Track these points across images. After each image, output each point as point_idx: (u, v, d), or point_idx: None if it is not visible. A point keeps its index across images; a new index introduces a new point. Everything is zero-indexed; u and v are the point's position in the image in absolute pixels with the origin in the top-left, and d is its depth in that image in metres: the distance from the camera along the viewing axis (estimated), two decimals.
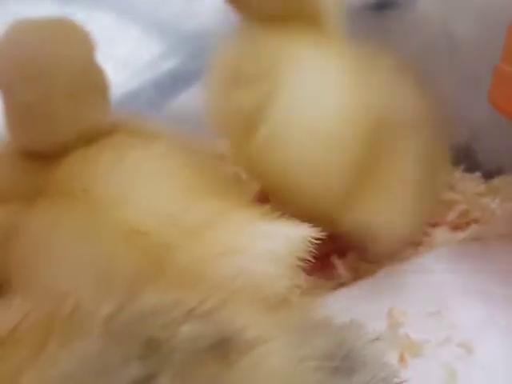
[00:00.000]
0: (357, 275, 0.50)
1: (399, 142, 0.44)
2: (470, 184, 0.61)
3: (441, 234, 0.55)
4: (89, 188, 0.37)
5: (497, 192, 0.60)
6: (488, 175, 0.61)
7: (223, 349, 0.24)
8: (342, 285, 0.50)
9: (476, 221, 0.57)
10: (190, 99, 0.77)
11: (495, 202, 0.58)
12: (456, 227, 0.56)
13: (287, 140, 0.42)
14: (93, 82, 0.40)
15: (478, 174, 0.62)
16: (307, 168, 0.42)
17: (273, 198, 0.50)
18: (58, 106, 0.38)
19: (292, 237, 0.36)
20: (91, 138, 0.40)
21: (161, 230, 0.35)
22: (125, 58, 0.77)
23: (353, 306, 0.44)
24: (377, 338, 0.32)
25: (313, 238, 0.36)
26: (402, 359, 0.40)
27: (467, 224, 0.56)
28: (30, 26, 0.40)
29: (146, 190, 0.37)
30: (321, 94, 0.43)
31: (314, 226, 0.36)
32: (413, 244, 0.53)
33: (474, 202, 0.58)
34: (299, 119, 0.42)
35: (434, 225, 0.56)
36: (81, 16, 0.75)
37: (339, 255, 0.52)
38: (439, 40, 0.65)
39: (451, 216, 0.57)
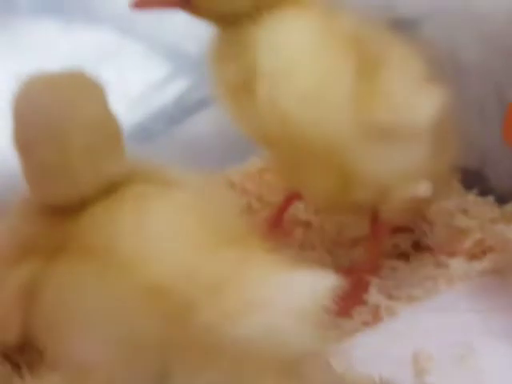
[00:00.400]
0: (377, 314, 0.50)
1: None
2: (484, 209, 0.61)
3: (458, 264, 0.55)
4: (110, 244, 0.37)
5: (510, 219, 0.60)
6: (501, 200, 0.62)
7: None
8: (365, 324, 0.50)
9: (492, 249, 0.57)
10: (199, 124, 0.77)
11: (510, 228, 0.58)
12: (473, 256, 0.56)
13: (283, 90, 0.46)
14: (108, 133, 0.40)
15: (490, 198, 0.62)
16: (308, 109, 0.45)
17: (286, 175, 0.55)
18: (75, 161, 0.38)
19: (315, 287, 0.36)
20: (110, 188, 0.39)
21: (182, 286, 0.35)
22: (130, 83, 0.77)
23: (377, 352, 0.44)
24: None
25: (335, 286, 0.36)
26: None
27: (483, 252, 0.56)
28: (43, 83, 0.40)
29: (166, 244, 0.37)
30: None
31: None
32: (431, 278, 0.54)
33: (488, 229, 0.58)
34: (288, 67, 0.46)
35: (451, 254, 0.57)
36: (84, 36, 0.76)
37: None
38: (445, 64, 0.66)
39: (467, 244, 0.57)
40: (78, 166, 0.38)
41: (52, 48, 0.74)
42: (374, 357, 0.43)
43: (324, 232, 0.61)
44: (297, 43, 0.47)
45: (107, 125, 0.40)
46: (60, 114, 0.38)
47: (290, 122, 0.46)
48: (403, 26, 0.68)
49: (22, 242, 0.41)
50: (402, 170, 0.47)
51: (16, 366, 0.45)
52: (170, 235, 0.37)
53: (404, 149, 0.47)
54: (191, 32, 0.73)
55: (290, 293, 0.35)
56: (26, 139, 0.39)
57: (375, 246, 0.55)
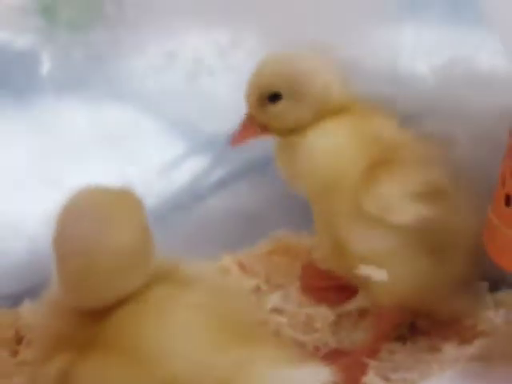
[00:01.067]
0: None
1: None
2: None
3: (450, 349, 0.60)
4: (133, 343, 0.42)
5: (501, 305, 0.64)
6: (493, 287, 0.67)
7: None
8: None
9: (482, 333, 0.61)
10: (213, 205, 0.82)
11: (500, 314, 0.63)
12: (464, 341, 0.61)
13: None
14: (140, 256, 0.45)
15: (483, 285, 0.67)
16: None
17: None
18: (103, 278, 0.43)
19: (315, 382, 0.41)
20: (137, 292, 0.45)
21: (197, 381, 0.40)
22: (148, 161, 0.82)
23: None
24: None
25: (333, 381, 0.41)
26: None
27: (474, 337, 0.61)
28: (88, 199, 0.46)
29: (182, 344, 0.42)
30: None
31: None
32: (425, 361, 0.58)
33: (480, 315, 0.63)
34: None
35: (445, 338, 0.61)
36: (106, 113, 0.82)
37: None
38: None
39: (459, 329, 0.62)
40: (105, 283, 0.44)
41: (74, 126, 0.80)
42: None
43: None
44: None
45: (140, 249, 0.45)
46: (95, 235, 0.43)
47: None
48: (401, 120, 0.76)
49: (57, 335, 0.46)
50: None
51: None
52: (185, 336, 0.43)
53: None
54: (208, 112, 0.81)
55: None
56: (63, 248, 0.45)
57: (377, 331, 0.60)
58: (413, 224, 0.53)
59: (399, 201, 0.54)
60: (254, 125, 0.62)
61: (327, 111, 0.60)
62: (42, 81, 0.80)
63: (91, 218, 0.44)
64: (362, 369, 0.58)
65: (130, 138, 0.82)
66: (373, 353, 0.59)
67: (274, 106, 0.60)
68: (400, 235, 0.55)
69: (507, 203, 0.47)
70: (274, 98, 0.60)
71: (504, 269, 0.49)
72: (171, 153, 0.83)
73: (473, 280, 0.63)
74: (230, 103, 0.73)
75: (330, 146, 0.59)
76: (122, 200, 0.46)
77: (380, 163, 0.56)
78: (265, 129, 0.62)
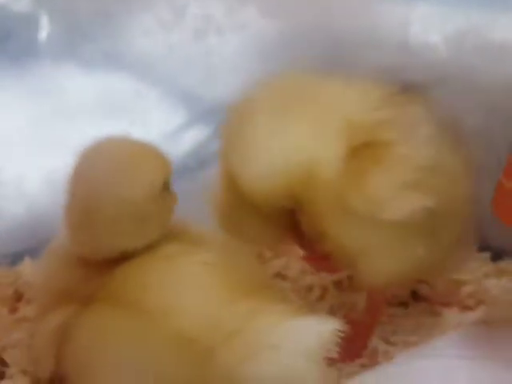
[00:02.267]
0: (375, 357, 0.55)
1: None
2: (479, 264, 0.66)
3: (451, 314, 0.60)
4: (140, 296, 0.42)
5: (503, 273, 0.64)
6: (496, 256, 0.67)
7: None
8: (362, 367, 0.55)
9: (483, 301, 0.61)
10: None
11: (502, 283, 0.63)
12: (465, 308, 0.61)
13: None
14: (157, 208, 0.45)
15: (486, 254, 0.67)
16: None
17: None
18: (120, 225, 0.44)
19: (320, 331, 0.41)
20: (144, 248, 0.45)
21: (205, 335, 0.40)
22: (147, 129, 0.82)
23: None
24: None
25: (339, 330, 0.41)
26: None
27: (476, 304, 0.61)
28: (111, 149, 0.46)
29: (191, 298, 0.42)
30: None
31: None
32: (426, 325, 0.58)
33: (481, 283, 0.63)
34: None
35: (446, 305, 0.62)
36: (104, 81, 0.82)
37: None
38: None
39: (461, 296, 0.62)
40: (112, 231, 0.44)
41: (71, 92, 0.80)
42: None
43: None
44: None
45: (153, 204, 0.45)
46: (109, 181, 0.44)
47: None
48: (411, 90, 0.75)
49: (59, 288, 0.46)
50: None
51: None
52: (192, 291, 0.43)
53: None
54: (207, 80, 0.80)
55: (297, 337, 0.40)
56: (76, 189, 0.45)
57: (375, 306, 0.58)
58: (407, 218, 0.48)
59: (390, 196, 0.48)
60: None
61: None
62: (41, 48, 0.81)
63: (109, 165, 0.45)
64: (368, 335, 0.58)
65: (131, 105, 0.82)
66: (372, 326, 0.58)
67: None
68: (392, 224, 0.49)
69: None
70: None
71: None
72: (174, 120, 0.82)
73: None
74: (237, 62, 0.72)
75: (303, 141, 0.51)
76: (143, 153, 0.46)
77: (360, 148, 0.49)
78: None
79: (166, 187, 0.47)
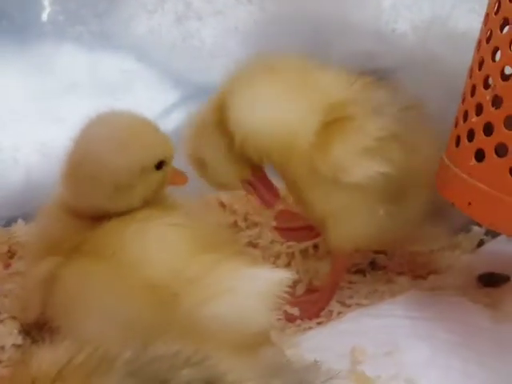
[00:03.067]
0: (330, 317, 0.61)
1: None
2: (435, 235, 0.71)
3: (404, 282, 0.65)
4: (117, 251, 0.48)
5: (458, 246, 0.70)
6: (452, 231, 0.72)
7: None
8: (319, 324, 0.61)
9: (436, 271, 0.67)
10: None
11: (455, 255, 0.69)
12: (418, 276, 0.67)
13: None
14: (145, 181, 0.51)
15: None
16: None
17: None
18: (102, 190, 0.50)
19: (273, 278, 0.47)
20: (126, 211, 0.51)
21: (170, 283, 0.46)
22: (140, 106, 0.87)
23: (323, 345, 0.54)
24: (332, 377, 0.42)
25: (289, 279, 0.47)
26: None
27: (427, 274, 0.67)
28: (113, 120, 0.52)
29: (158, 252, 0.48)
30: None
31: None
32: (379, 291, 0.64)
33: (436, 255, 0.69)
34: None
35: (399, 273, 0.67)
36: (102, 60, 0.87)
37: None
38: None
39: (414, 266, 0.68)
40: (103, 191, 0.50)
41: (68, 70, 0.84)
42: (320, 349, 0.53)
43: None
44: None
45: (141, 175, 0.50)
46: (106, 150, 0.49)
47: None
48: (381, 74, 0.80)
49: (48, 240, 0.52)
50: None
51: (34, 341, 0.55)
52: (160, 246, 0.49)
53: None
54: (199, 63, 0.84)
55: (251, 282, 0.46)
56: (78, 154, 0.51)
57: (334, 272, 0.64)
58: (366, 181, 0.55)
59: (351, 161, 0.55)
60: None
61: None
62: (43, 25, 0.84)
63: (107, 133, 0.51)
64: (327, 299, 0.63)
65: (123, 84, 0.87)
66: (332, 290, 0.64)
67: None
68: (357, 189, 0.56)
69: (457, 144, 0.52)
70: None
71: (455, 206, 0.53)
72: (162, 101, 0.87)
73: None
74: (216, 48, 0.77)
75: (284, 115, 0.59)
76: (142, 130, 0.51)
77: (331, 123, 0.57)
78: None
79: (160, 166, 0.52)
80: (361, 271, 0.69)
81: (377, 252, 0.70)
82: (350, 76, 0.61)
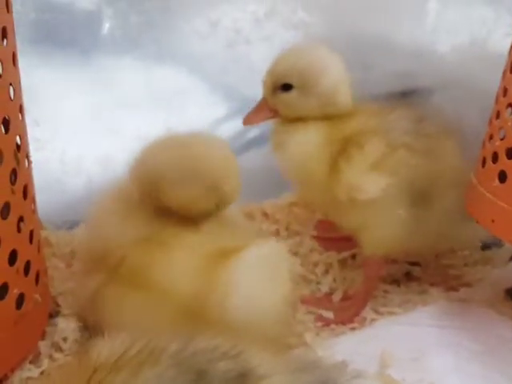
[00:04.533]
0: (363, 323, 0.65)
1: None
2: (469, 252, 0.74)
3: (436, 293, 0.69)
4: (147, 276, 0.54)
5: (489, 261, 0.73)
6: (486, 246, 0.75)
7: (243, 379, 0.40)
8: (352, 330, 0.65)
9: (468, 284, 0.70)
10: (246, 161, 0.92)
11: (486, 269, 0.71)
12: (450, 288, 0.70)
13: None
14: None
15: (478, 243, 0.75)
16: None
17: None
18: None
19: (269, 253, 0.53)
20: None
21: (191, 301, 0.52)
22: (195, 118, 0.93)
23: (354, 349, 0.59)
24: (358, 376, 0.46)
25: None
26: None
27: (460, 286, 0.70)
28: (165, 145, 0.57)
29: (183, 275, 0.53)
30: None
31: None
32: (411, 302, 0.68)
33: (468, 268, 0.72)
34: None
35: (432, 285, 0.70)
36: (157, 73, 0.93)
37: None
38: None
39: (447, 278, 0.71)
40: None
41: (127, 84, 0.92)
42: (351, 352, 0.57)
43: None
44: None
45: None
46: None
47: None
48: (420, 94, 0.83)
49: (95, 257, 0.58)
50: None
51: (92, 336, 0.61)
52: (184, 270, 0.54)
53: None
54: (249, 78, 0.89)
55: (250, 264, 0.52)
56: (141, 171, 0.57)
57: (366, 279, 0.69)
58: (381, 194, 0.60)
59: (360, 180, 0.61)
60: (266, 108, 0.69)
61: (334, 111, 0.67)
62: (103, 40, 0.92)
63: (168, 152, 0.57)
64: (361, 306, 0.67)
65: (178, 98, 0.93)
66: (365, 296, 0.68)
67: (285, 94, 0.67)
68: (378, 200, 0.61)
69: (483, 165, 0.55)
70: (286, 87, 0.67)
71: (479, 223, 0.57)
72: (213, 113, 0.94)
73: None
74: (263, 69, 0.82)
75: (302, 149, 0.66)
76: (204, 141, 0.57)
77: (339, 153, 0.63)
78: (275, 113, 0.69)
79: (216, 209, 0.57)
80: (395, 281, 0.72)
81: (412, 264, 0.74)
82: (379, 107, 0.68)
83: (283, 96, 0.67)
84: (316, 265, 0.75)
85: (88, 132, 0.88)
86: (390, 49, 0.85)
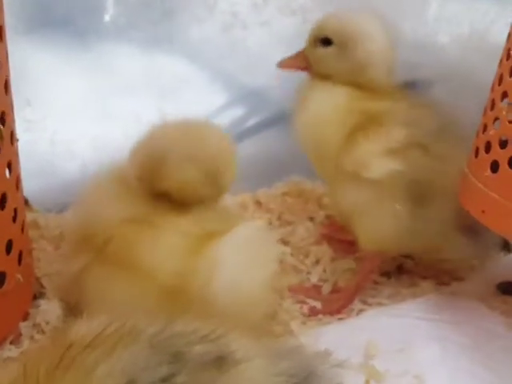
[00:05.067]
0: (350, 314, 0.64)
1: None
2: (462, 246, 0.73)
3: (427, 286, 0.68)
4: (132, 256, 0.53)
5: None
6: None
7: (220, 362, 0.39)
8: (339, 320, 0.64)
9: (460, 279, 0.69)
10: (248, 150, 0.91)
11: (479, 264, 0.70)
12: (441, 282, 0.69)
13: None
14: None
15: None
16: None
17: None
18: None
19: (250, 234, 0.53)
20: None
21: (178, 283, 0.51)
22: (191, 105, 0.92)
23: (339, 339, 0.58)
24: (340, 365, 0.46)
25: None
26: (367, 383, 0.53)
27: (451, 280, 0.69)
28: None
29: (167, 256, 0.53)
30: None
31: None
32: (400, 294, 0.67)
33: (462, 264, 0.71)
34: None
35: (424, 278, 0.69)
36: (154, 58, 0.92)
37: None
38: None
39: (439, 272, 0.70)
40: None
41: (126, 70, 0.91)
42: (336, 342, 0.56)
43: None
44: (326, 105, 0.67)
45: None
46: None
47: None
48: (421, 85, 0.82)
49: (84, 230, 0.57)
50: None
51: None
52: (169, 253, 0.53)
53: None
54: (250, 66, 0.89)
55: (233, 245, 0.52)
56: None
57: (361, 272, 0.68)
58: (385, 178, 0.60)
59: (372, 158, 0.61)
60: (302, 59, 0.70)
61: (364, 82, 0.67)
62: (105, 26, 0.91)
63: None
64: (351, 299, 0.66)
65: (174, 84, 0.92)
66: (356, 290, 0.67)
67: (323, 49, 0.68)
68: (379, 187, 0.62)
69: (476, 155, 0.54)
70: (326, 42, 0.67)
71: (470, 213, 0.56)
72: (210, 100, 0.93)
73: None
74: (262, 56, 0.81)
75: (322, 109, 0.67)
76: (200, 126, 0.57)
77: (358, 129, 0.63)
78: (309, 66, 0.70)
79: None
80: (386, 274, 0.71)
81: (405, 256, 0.73)
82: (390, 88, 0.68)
83: (321, 50, 0.68)
84: (307, 255, 0.74)
85: (82, 115, 0.88)
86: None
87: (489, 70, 0.79)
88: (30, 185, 0.63)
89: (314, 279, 0.70)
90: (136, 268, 0.52)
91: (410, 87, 0.82)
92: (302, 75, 0.71)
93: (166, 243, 0.53)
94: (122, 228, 0.55)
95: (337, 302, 0.66)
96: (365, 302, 0.66)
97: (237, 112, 0.95)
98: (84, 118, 0.88)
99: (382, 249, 0.66)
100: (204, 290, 0.49)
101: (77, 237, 0.58)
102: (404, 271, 0.72)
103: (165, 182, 0.55)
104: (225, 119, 0.93)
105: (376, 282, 0.70)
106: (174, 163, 0.55)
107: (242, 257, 0.51)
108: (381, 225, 0.63)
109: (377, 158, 0.61)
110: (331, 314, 0.65)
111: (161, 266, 0.52)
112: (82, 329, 0.42)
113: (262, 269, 0.51)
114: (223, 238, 0.51)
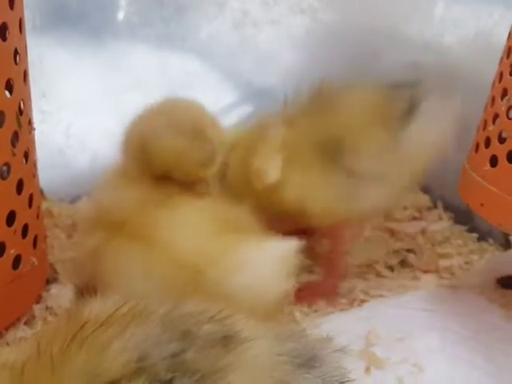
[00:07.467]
0: (352, 305, 0.66)
1: None
2: (465, 242, 0.75)
3: (429, 279, 0.70)
4: (150, 234, 0.54)
5: (485, 252, 0.73)
6: (482, 238, 0.76)
7: (227, 341, 0.41)
8: (341, 311, 0.65)
9: (461, 273, 0.71)
10: None
11: (481, 259, 0.72)
12: (442, 277, 0.70)
13: None
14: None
15: (474, 235, 0.77)
16: None
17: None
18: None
19: (284, 247, 0.53)
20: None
21: (196, 262, 0.52)
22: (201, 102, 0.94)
23: (341, 328, 0.59)
24: (341, 351, 0.47)
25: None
26: (367, 370, 0.55)
27: (452, 274, 0.70)
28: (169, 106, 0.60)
29: (188, 234, 0.54)
30: None
31: None
32: (402, 287, 0.68)
33: (463, 258, 0.72)
34: None
35: (426, 272, 0.71)
36: (172, 58, 0.94)
37: None
38: None
39: (441, 266, 0.72)
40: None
41: (139, 68, 0.94)
42: (337, 330, 0.57)
43: None
44: None
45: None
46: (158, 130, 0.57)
47: None
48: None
49: (100, 213, 0.59)
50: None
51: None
52: (190, 228, 0.55)
53: None
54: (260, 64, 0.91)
55: (267, 253, 0.53)
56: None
57: (335, 248, 0.70)
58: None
59: (263, 166, 0.64)
60: None
61: None
62: (118, 25, 0.94)
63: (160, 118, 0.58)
64: (333, 288, 0.68)
65: (189, 84, 0.95)
66: (336, 264, 0.69)
67: None
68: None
69: (476, 150, 0.56)
70: None
71: (469, 206, 0.57)
72: (224, 98, 0.95)
73: None
74: (272, 54, 0.83)
75: None
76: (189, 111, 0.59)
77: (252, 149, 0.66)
78: None
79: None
80: (390, 267, 0.73)
81: (408, 251, 0.75)
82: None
83: None
84: None
85: (94, 109, 0.90)
86: (396, 39, 0.85)
87: (493, 71, 0.81)
88: (44, 175, 0.65)
89: None
90: (152, 243, 0.54)
91: (415, 87, 0.84)
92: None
93: (185, 220, 0.55)
94: (140, 209, 0.56)
95: (327, 284, 0.68)
96: (367, 294, 0.68)
97: (246, 109, 0.97)
98: (97, 112, 0.90)
99: (336, 218, 0.65)
100: (223, 279, 0.51)
101: (95, 214, 0.60)
102: (407, 265, 0.74)
103: (157, 163, 0.57)
104: (234, 116, 0.95)
105: (378, 275, 0.72)
106: (159, 138, 0.56)
107: (268, 269, 0.52)
108: (326, 196, 0.64)
109: (266, 165, 0.63)
110: (328, 297, 0.66)
111: (179, 241, 0.53)
112: (96, 308, 0.44)
113: (281, 283, 0.52)
114: (258, 246, 0.53)
